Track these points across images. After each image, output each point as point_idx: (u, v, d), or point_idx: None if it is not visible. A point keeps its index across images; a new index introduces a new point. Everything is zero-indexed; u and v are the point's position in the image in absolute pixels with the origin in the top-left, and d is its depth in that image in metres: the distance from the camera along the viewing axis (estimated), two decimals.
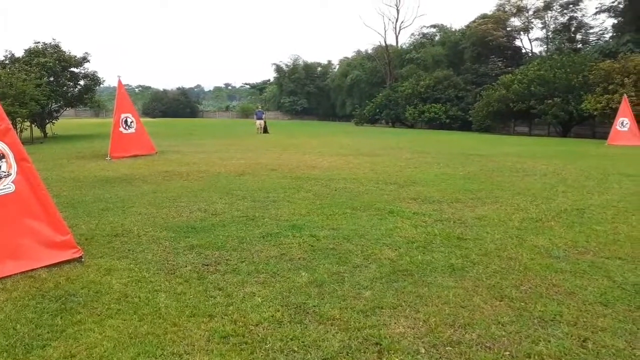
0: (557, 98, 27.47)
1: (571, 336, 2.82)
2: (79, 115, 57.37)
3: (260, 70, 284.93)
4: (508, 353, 2.63)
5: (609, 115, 24.96)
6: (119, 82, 13.31)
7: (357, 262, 4.12)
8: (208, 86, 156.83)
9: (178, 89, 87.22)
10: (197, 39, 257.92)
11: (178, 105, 79.21)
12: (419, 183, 8.42)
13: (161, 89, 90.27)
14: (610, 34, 41.31)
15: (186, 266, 4.04)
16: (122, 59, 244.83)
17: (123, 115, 13.12)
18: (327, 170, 10.14)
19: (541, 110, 28.29)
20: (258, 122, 28.16)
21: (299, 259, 4.20)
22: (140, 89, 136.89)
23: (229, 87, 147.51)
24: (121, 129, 13.05)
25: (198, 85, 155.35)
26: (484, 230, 5.19)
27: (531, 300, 3.32)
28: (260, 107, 42.99)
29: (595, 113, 25.87)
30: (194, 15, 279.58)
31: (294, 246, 4.56)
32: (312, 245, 4.57)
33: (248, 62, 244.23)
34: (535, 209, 6.32)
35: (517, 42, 48.02)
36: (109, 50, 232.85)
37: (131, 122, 13.29)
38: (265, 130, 27.13)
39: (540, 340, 2.76)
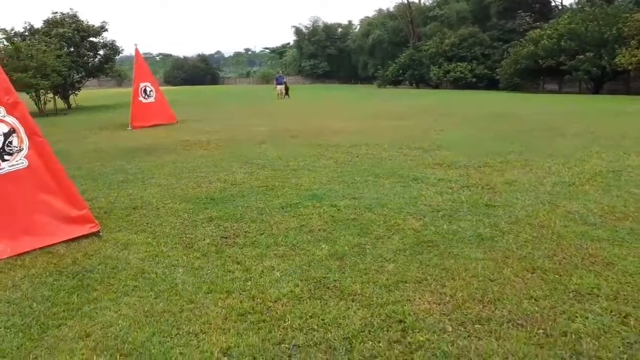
0: (589, 53, 26.05)
1: (611, 312, 2.61)
2: (102, 86, 57.84)
3: (280, 34, 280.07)
4: (542, 331, 2.45)
5: None
6: (136, 50, 13.15)
7: (380, 233, 3.96)
8: (228, 52, 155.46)
9: (198, 55, 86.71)
10: (216, 4, 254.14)
11: (199, 72, 79.11)
12: (445, 147, 8.12)
13: (181, 57, 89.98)
14: None
15: (204, 239, 3.95)
16: (142, 27, 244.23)
17: (142, 85, 13.03)
18: (350, 136, 9.89)
19: (572, 66, 26.93)
20: (279, 87, 27.80)
21: (319, 230, 4.07)
22: (161, 56, 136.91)
23: (249, 52, 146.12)
24: (140, 98, 12.99)
25: (218, 51, 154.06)
26: (514, 196, 4.93)
27: (566, 272, 3.11)
28: (280, 71, 42.52)
29: (630, 68, 24.51)
30: None
31: (314, 217, 4.42)
32: (332, 216, 4.42)
33: (267, 26, 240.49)
34: (568, 171, 5.99)
35: None
36: (128, 19, 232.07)
37: (150, 91, 13.21)
38: (286, 93, 27.13)
39: (576, 317, 2.57)
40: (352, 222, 4.25)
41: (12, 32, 19.10)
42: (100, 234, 4.10)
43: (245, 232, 4.10)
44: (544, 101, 21.51)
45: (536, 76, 33.88)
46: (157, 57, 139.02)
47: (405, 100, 24.73)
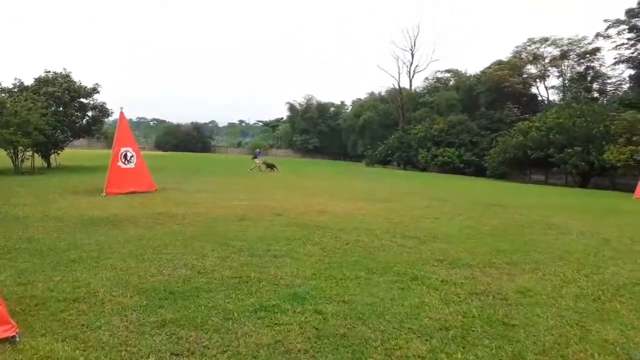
0: (577, 147, 26.51)
1: None
2: (92, 146, 57.36)
3: (274, 109, 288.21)
4: None
5: (633, 167, 23.95)
6: (121, 114, 12.65)
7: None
8: (223, 122, 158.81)
9: (192, 123, 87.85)
10: (213, 77, 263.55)
11: (190, 139, 79.70)
12: (442, 239, 7.40)
13: (175, 123, 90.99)
14: (629, 85, 40.82)
15: (149, 356, 3.04)
16: (140, 93, 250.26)
17: (123, 149, 12.38)
18: (338, 218, 9.17)
19: (560, 159, 27.29)
20: (257, 161, 27.96)
21: (299, 351, 3.19)
22: (155, 122, 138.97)
23: (243, 124, 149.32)
24: (120, 163, 12.28)
25: (212, 120, 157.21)
26: (533, 311, 4.14)
27: None
28: (260, 149, 45.08)
29: (618, 164, 24.84)
30: (212, 55, 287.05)
31: (293, 328, 3.55)
32: (316, 329, 3.56)
33: (263, 100, 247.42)
34: (587, 280, 5.26)
35: (533, 90, 47.67)
36: (127, 84, 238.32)
37: (131, 157, 12.54)
38: (271, 167, 26.78)
39: None
40: (342, 340, 3.38)
41: None
42: (17, 338, 3.17)
43: (203, 347, 3.20)
44: (534, 192, 21.33)
45: (524, 166, 34.29)
46: (152, 122, 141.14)
47: (394, 181, 24.45)
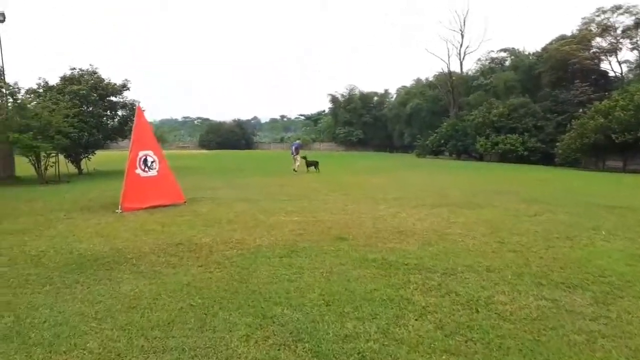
0: None
1: None
2: None
3: (316, 101, 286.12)
4: None
5: None
6: (139, 109, 10.34)
7: None
8: (264, 118, 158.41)
9: (234, 120, 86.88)
10: (256, 72, 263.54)
11: (233, 136, 78.72)
12: (616, 285, 4.47)
13: (217, 121, 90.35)
14: None
15: None
16: (187, 93, 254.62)
17: (142, 153, 10.03)
18: (428, 245, 6.34)
19: None
20: (297, 156, 22.35)
21: None
22: (199, 120, 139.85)
23: (285, 119, 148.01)
24: (138, 170, 9.94)
25: (255, 117, 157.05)
26: None
27: None
28: (300, 139, 37.01)
29: None
30: (254, 50, 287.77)
31: None
32: None
33: (304, 93, 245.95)
34: None
35: (603, 66, 42.53)
36: (176, 83, 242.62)
37: (152, 162, 10.17)
38: (313, 166, 21.62)
39: None
40: None
41: (16, 87, 16.81)
42: None
43: None
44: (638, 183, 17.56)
45: (602, 152, 29.93)
46: (196, 121, 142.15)
47: (459, 175, 21.18)
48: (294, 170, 21.72)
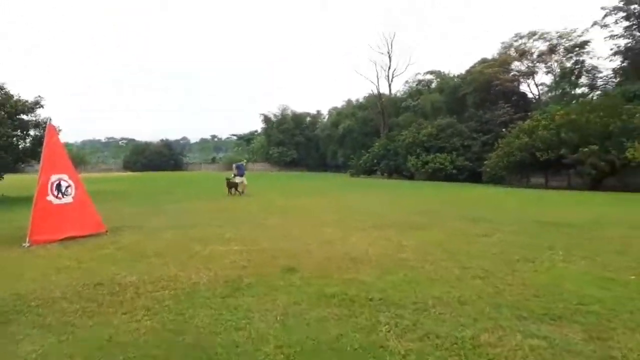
0: (593, 146, 23.83)
1: None
2: None
3: (248, 122, 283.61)
4: None
5: None
6: (49, 127, 9.08)
7: None
8: (194, 138, 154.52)
9: (161, 140, 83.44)
10: (183, 92, 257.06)
11: (161, 157, 75.67)
12: (603, 315, 4.13)
13: (143, 142, 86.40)
14: (618, 79, 38.85)
15: None
16: (110, 113, 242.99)
17: (54, 177, 8.74)
18: (385, 270, 5.79)
19: (575, 159, 24.56)
20: (239, 179, 20.58)
21: None
22: (124, 141, 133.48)
23: (216, 139, 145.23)
24: (50, 197, 8.63)
25: (184, 137, 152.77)
26: None
27: None
28: (245, 160, 34.65)
29: None
30: (180, 69, 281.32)
31: None
32: None
33: (235, 113, 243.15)
34: None
35: (522, 88, 45.54)
36: (98, 102, 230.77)
37: (67, 188, 8.90)
38: (234, 189, 19.93)
39: None
40: None
41: None
42: None
43: None
44: (564, 200, 18.35)
45: (525, 169, 31.49)
46: (121, 142, 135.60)
47: (396, 194, 21.13)
48: (240, 193, 20.07)
